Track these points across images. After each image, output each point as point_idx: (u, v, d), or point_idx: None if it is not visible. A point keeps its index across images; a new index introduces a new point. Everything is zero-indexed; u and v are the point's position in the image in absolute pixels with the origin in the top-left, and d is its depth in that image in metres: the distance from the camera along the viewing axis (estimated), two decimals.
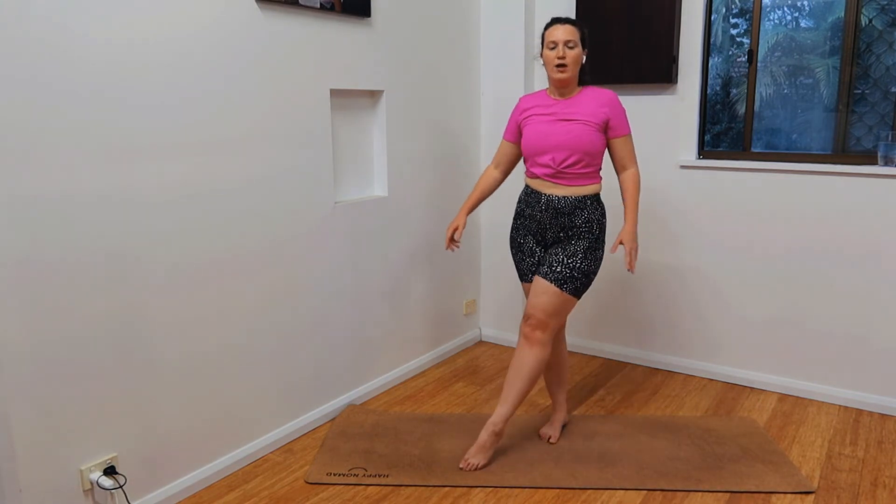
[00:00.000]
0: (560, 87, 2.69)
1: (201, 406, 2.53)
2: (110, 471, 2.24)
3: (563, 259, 2.63)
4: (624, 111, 2.70)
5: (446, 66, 3.59)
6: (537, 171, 2.70)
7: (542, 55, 2.70)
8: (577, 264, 2.62)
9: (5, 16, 1.87)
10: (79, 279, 2.11)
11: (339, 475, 2.60)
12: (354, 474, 2.61)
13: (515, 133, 2.81)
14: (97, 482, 2.20)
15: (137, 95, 2.21)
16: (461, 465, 2.67)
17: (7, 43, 1.88)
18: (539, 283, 2.64)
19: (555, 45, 2.62)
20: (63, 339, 2.09)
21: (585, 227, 2.65)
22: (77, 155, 2.07)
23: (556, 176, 2.66)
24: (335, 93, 2.99)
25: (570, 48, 2.62)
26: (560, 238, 2.69)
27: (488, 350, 3.96)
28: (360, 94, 3.17)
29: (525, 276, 2.81)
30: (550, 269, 2.63)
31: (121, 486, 2.26)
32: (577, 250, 2.64)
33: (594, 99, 2.68)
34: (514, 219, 2.84)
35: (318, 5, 2.78)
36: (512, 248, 2.85)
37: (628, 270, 2.64)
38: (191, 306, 2.45)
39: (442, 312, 3.79)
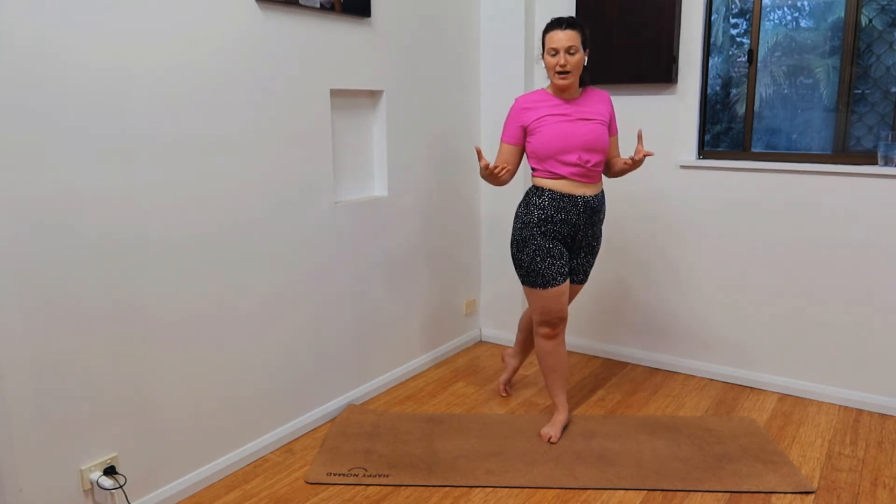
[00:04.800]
0: (563, 90, 2.71)
1: (201, 406, 2.53)
2: (110, 471, 2.24)
3: (591, 262, 2.93)
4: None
5: (446, 66, 3.59)
6: (563, 171, 2.69)
7: (542, 57, 2.69)
8: (595, 259, 3.01)
9: (6, 16, 1.87)
10: (79, 279, 2.11)
11: (340, 475, 2.60)
12: (354, 474, 2.61)
13: (519, 136, 2.76)
14: (97, 482, 2.20)
15: (137, 95, 2.21)
16: None
17: (9, 42, 1.88)
18: (573, 288, 2.95)
19: (556, 52, 2.61)
20: (63, 339, 2.09)
21: (602, 219, 2.87)
22: (77, 155, 2.07)
23: (586, 175, 2.72)
24: (335, 93, 2.99)
25: (572, 54, 2.61)
26: (588, 236, 2.83)
27: (488, 350, 3.96)
28: (360, 94, 3.17)
29: (554, 279, 2.75)
30: (586, 275, 2.94)
31: (121, 486, 2.26)
32: (598, 248, 2.93)
33: (597, 99, 2.79)
34: (538, 225, 2.73)
35: (318, 5, 2.78)
36: (536, 255, 2.73)
37: (644, 154, 2.69)
38: (191, 306, 2.45)
39: (442, 312, 3.79)
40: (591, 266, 2.95)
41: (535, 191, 2.77)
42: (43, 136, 1.98)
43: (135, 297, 2.27)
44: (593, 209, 2.76)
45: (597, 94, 2.80)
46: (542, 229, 2.74)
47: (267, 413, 2.81)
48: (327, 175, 2.96)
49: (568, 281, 2.81)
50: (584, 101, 2.74)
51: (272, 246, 2.74)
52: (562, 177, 2.70)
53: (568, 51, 2.60)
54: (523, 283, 2.83)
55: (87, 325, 2.15)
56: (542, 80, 3.73)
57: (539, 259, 2.75)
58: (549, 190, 2.72)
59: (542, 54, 2.69)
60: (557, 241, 2.76)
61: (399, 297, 3.46)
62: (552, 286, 2.75)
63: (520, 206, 2.83)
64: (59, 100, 2.01)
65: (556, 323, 2.82)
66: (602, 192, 2.82)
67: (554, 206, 2.72)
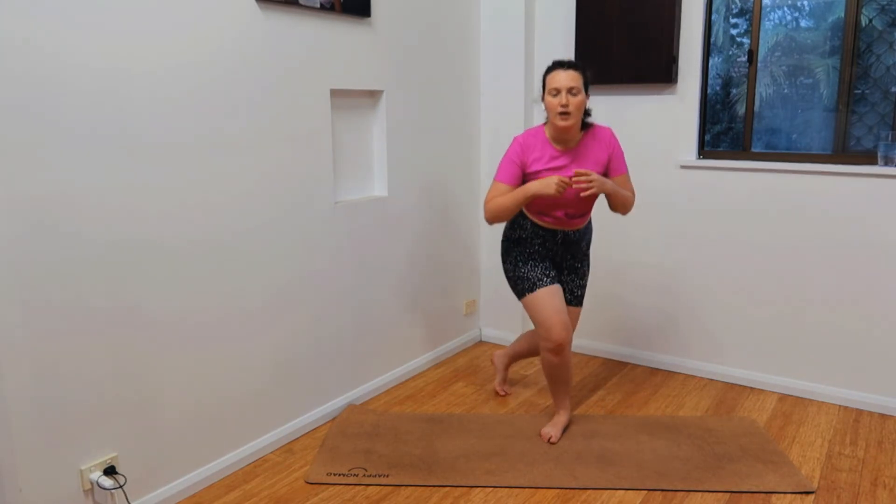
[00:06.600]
0: (563, 134, 2.67)
1: (201, 406, 2.53)
2: (110, 471, 2.24)
3: (580, 284, 2.96)
4: (621, 149, 2.81)
5: (446, 66, 3.59)
6: (548, 220, 2.78)
7: (543, 99, 2.67)
8: (587, 281, 2.99)
9: (6, 16, 1.87)
10: (79, 279, 2.11)
11: (340, 475, 2.60)
12: (354, 474, 2.61)
13: (517, 175, 2.70)
14: (97, 482, 2.20)
15: (138, 95, 2.21)
16: None
17: (9, 43, 1.88)
18: (569, 311, 2.94)
19: (557, 92, 2.58)
20: (63, 339, 2.09)
21: (586, 246, 2.94)
22: (77, 156, 2.07)
23: (569, 224, 2.80)
24: (335, 93, 2.99)
25: (574, 95, 2.58)
26: (568, 259, 2.90)
27: (488, 350, 3.96)
28: (360, 94, 3.17)
29: (539, 280, 2.77)
30: (573, 295, 2.95)
31: (121, 486, 2.26)
32: (585, 271, 2.97)
33: (597, 144, 2.74)
34: (516, 242, 2.82)
35: (318, 5, 2.78)
36: (518, 260, 2.81)
37: (576, 184, 2.56)
38: (191, 306, 2.45)
39: (442, 312, 3.80)
40: (580, 289, 2.95)
41: (520, 213, 2.82)
42: (43, 137, 1.98)
43: (135, 297, 2.27)
44: (572, 241, 2.85)
45: (597, 136, 2.74)
46: (520, 247, 2.83)
47: (267, 413, 2.81)
48: (327, 175, 2.96)
49: (559, 286, 2.81)
50: (582, 150, 2.71)
51: (272, 246, 2.74)
52: (546, 221, 2.79)
53: (570, 91, 2.57)
54: (517, 294, 2.87)
55: (87, 325, 2.15)
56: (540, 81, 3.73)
57: (521, 263, 2.82)
58: (533, 222, 2.80)
59: (543, 96, 2.66)
60: (537, 255, 2.84)
61: (399, 296, 3.46)
62: (539, 287, 2.77)
63: (506, 222, 2.90)
64: (58, 100, 2.01)
65: (561, 348, 2.74)
66: (588, 223, 2.88)
67: (533, 232, 2.81)
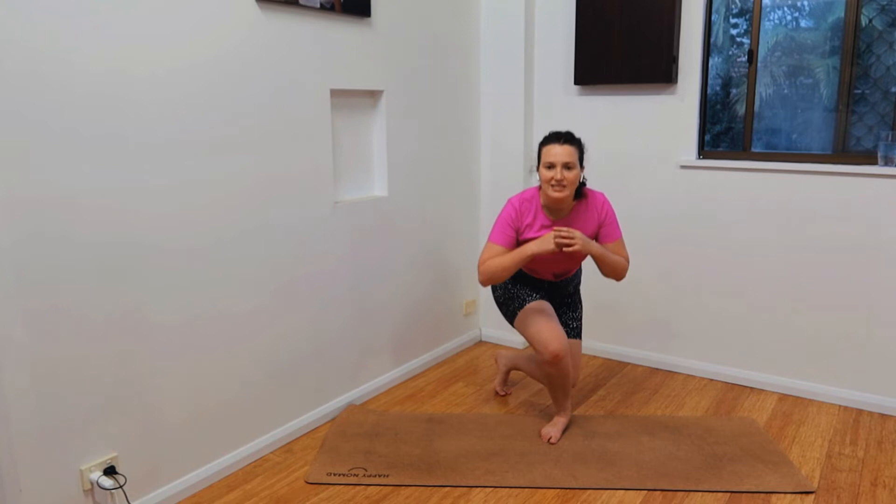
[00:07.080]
0: (556, 204, 2.70)
1: (201, 406, 2.53)
2: (110, 471, 2.24)
3: (573, 316, 3.00)
4: (615, 215, 2.83)
5: (446, 66, 3.58)
6: (536, 275, 2.89)
7: (537, 170, 2.69)
8: (581, 314, 3.03)
9: (9, 19, 1.87)
10: (79, 279, 2.11)
11: (339, 475, 2.60)
12: (354, 474, 2.61)
13: (512, 237, 2.74)
14: (97, 482, 2.20)
15: (138, 97, 2.21)
16: None
17: (9, 40, 1.88)
18: (570, 344, 2.95)
19: (552, 166, 2.61)
20: (63, 339, 2.09)
21: (574, 289, 3.03)
22: (77, 159, 2.06)
23: (557, 278, 2.91)
24: (335, 93, 2.99)
25: (569, 169, 2.61)
26: (555, 297, 2.98)
27: (488, 350, 3.96)
28: (360, 94, 3.17)
29: (529, 296, 2.85)
30: (570, 328, 2.98)
31: (121, 486, 2.26)
32: (577, 305, 3.03)
33: (588, 214, 2.79)
34: (508, 280, 2.90)
35: (318, 5, 2.78)
36: (507, 284, 2.90)
37: (556, 239, 2.57)
38: (190, 306, 2.45)
39: (442, 312, 3.79)
40: (575, 321, 2.98)
41: None
42: (43, 140, 1.98)
43: (134, 297, 2.27)
44: (559, 288, 2.95)
45: (590, 204, 2.77)
46: (513, 282, 2.92)
47: (267, 413, 2.81)
48: (327, 175, 2.96)
49: (550, 305, 2.87)
50: (574, 218, 2.76)
51: (272, 246, 2.74)
52: (534, 274, 2.90)
53: (565, 166, 2.60)
54: (509, 317, 2.91)
55: (88, 325, 2.15)
56: (541, 86, 3.73)
57: (510, 286, 2.91)
58: (524, 271, 2.90)
59: (538, 167, 2.69)
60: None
61: (399, 297, 3.46)
62: (529, 301, 2.84)
63: None
64: (59, 103, 2.01)
65: (557, 359, 2.72)
66: (577, 272, 2.98)
67: (522, 276, 2.91)
